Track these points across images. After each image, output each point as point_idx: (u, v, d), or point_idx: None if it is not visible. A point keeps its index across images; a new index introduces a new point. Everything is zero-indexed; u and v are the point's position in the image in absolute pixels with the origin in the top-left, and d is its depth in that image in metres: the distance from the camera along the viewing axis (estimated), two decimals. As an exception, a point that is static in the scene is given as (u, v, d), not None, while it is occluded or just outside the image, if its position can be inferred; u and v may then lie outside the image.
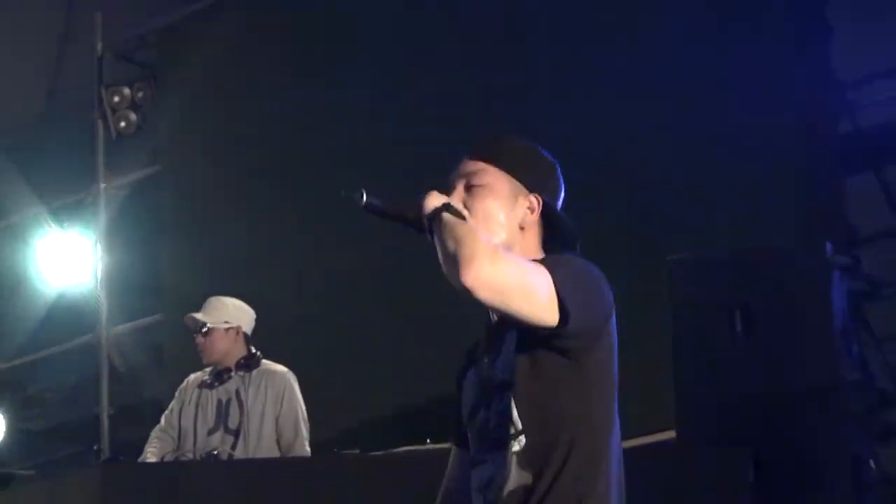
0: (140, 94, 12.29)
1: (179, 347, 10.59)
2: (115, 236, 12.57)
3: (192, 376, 8.49)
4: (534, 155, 4.36)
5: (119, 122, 12.30)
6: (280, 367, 8.37)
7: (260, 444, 8.19)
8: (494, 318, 4.28)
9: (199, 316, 8.32)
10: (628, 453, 4.37)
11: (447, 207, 4.16)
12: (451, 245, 4.02)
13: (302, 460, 8.20)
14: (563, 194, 4.40)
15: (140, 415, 12.42)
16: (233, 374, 8.30)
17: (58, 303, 13.36)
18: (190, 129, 11.85)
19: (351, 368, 10.21)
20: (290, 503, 7.49)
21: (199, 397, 8.35)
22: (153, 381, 12.24)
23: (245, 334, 8.39)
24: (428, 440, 7.93)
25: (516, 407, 4.17)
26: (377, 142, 10.60)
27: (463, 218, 4.14)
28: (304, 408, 8.31)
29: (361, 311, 10.37)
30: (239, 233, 11.30)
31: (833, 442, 7.98)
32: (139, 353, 12.59)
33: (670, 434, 8.23)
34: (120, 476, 7.93)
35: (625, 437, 8.91)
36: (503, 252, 4.03)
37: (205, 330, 8.30)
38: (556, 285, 3.99)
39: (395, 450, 8.10)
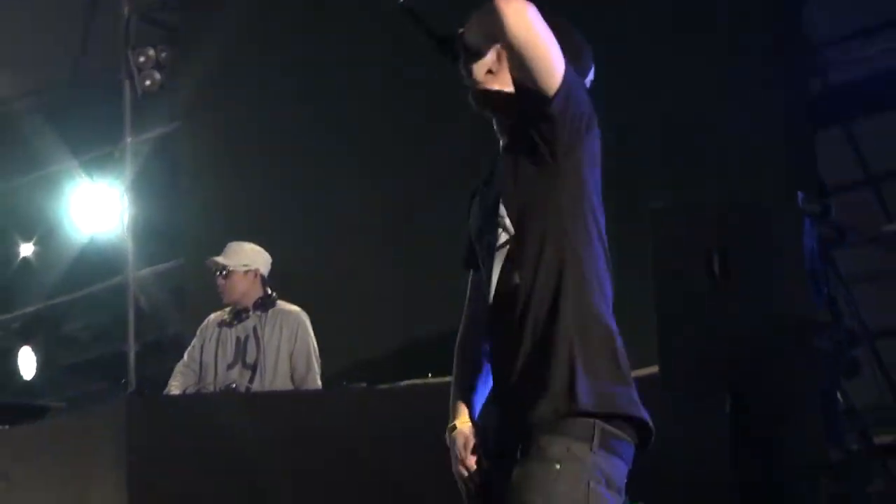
0: (164, 55, 12.29)
1: (199, 289, 10.63)
2: (141, 187, 12.61)
3: (212, 315, 8.54)
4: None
5: (144, 81, 12.28)
6: (294, 307, 8.42)
7: (275, 378, 8.23)
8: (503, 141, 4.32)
9: (220, 259, 8.36)
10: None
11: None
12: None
13: (313, 393, 8.22)
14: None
15: (163, 351, 12.51)
16: (250, 313, 8.35)
17: (88, 248, 13.38)
18: (210, 88, 11.83)
19: (359, 307, 10.23)
20: (302, 433, 7.49)
21: (219, 335, 8.39)
22: (175, 320, 12.27)
23: (262, 276, 8.44)
24: (430, 374, 7.95)
25: (505, 210, 4.21)
26: (392, 97, 10.57)
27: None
28: (315, 344, 8.36)
29: (368, 254, 10.38)
30: (254, 184, 11.31)
31: (805, 377, 8.01)
32: (163, 295, 12.61)
33: (653, 369, 8.26)
34: (144, 408, 7.95)
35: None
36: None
37: (225, 272, 8.33)
38: (565, 69, 4.05)
39: (399, 383, 8.11)
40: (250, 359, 8.25)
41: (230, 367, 8.30)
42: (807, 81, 9.64)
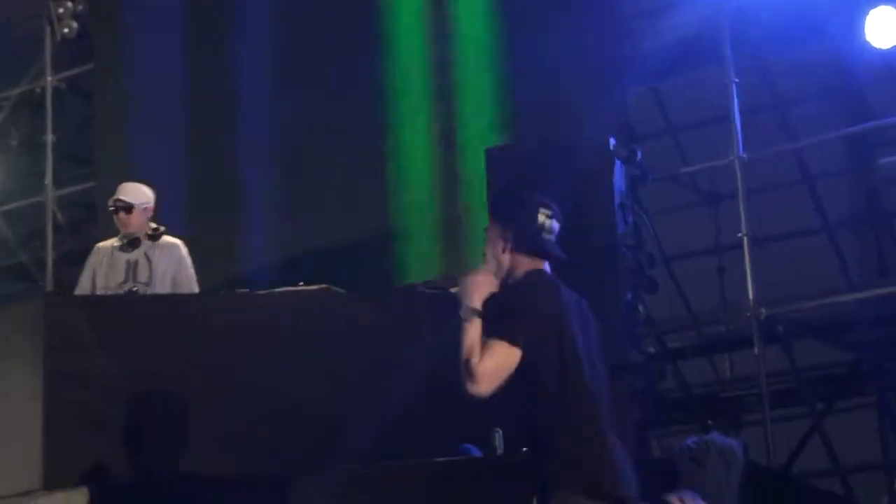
0: (80, 7, 12.10)
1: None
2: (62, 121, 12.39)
3: (100, 244, 8.53)
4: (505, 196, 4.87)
5: (63, 29, 12.09)
6: (176, 240, 8.45)
7: None
8: None
9: (124, 198, 8.33)
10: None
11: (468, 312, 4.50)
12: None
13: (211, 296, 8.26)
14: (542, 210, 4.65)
15: (77, 261, 12.35)
16: (142, 242, 8.31)
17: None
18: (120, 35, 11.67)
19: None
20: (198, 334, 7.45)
21: (111, 258, 8.38)
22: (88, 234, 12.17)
23: (152, 211, 8.42)
24: (301, 283, 7.93)
25: None
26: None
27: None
28: (193, 271, 8.35)
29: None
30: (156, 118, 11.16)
31: (612, 291, 8.10)
32: (78, 212, 12.49)
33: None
34: (59, 305, 7.85)
35: (452, 284, 8.91)
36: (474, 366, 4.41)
37: (128, 209, 8.29)
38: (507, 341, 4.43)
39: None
40: (142, 278, 8.26)
41: (121, 284, 8.28)
42: (621, 46, 9.71)
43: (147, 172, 8.81)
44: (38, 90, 12.49)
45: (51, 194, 12.16)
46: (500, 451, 6.89)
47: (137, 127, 11.29)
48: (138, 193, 8.40)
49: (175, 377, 7.21)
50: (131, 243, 8.37)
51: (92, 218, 12.14)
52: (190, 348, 7.34)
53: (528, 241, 4.61)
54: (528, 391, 4.50)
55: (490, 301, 4.49)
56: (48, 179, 12.18)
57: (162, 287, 8.20)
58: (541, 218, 4.59)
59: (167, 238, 8.44)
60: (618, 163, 8.35)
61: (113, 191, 8.49)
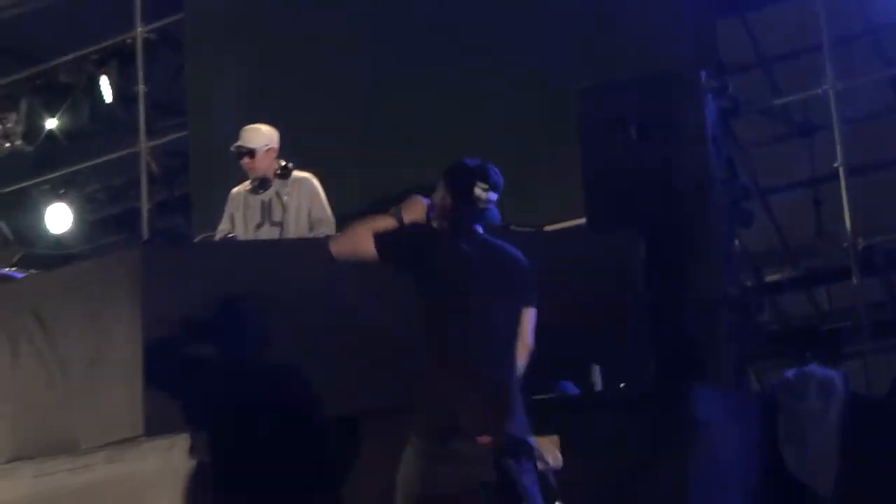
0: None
1: (202, 157, 10.57)
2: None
3: (235, 189, 8.54)
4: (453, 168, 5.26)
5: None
6: (307, 173, 8.43)
7: (298, 233, 8.27)
8: None
9: (244, 144, 8.34)
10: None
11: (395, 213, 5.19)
12: None
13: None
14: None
15: (171, 210, 12.50)
16: (272, 182, 8.33)
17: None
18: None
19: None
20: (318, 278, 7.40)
21: (245, 202, 8.41)
22: (182, 183, 12.27)
23: (277, 150, 8.43)
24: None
25: None
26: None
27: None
28: (327, 202, 8.36)
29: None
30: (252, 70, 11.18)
31: (707, 227, 8.03)
32: (171, 161, 12.59)
33: (581, 220, 8.27)
34: (157, 253, 7.90)
35: (550, 222, 8.87)
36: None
37: (251, 154, 8.33)
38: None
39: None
40: (276, 217, 8.30)
41: (258, 227, 8.34)
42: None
43: (239, 122, 8.78)
44: (128, 41, 12.57)
45: (144, 145, 12.24)
46: (598, 387, 6.86)
47: (228, 75, 11.32)
48: (259, 136, 8.37)
49: (276, 320, 7.22)
50: (262, 185, 8.37)
51: (185, 167, 12.23)
52: (293, 291, 7.33)
53: (455, 210, 5.16)
54: None
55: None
56: (141, 130, 12.26)
57: (297, 223, 8.22)
58: (477, 191, 5.12)
59: (297, 174, 8.41)
60: (709, 96, 8.25)
61: (235, 137, 8.45)
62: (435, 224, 5.18)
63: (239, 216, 8.43)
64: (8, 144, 12.68)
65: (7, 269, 9.10)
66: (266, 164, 8.38)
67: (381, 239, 5.03)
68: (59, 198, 13.37)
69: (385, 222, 5.10)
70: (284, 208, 8.32)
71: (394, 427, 5.21)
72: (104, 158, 12.87)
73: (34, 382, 7.23)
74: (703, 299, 7.78)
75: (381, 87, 10.46)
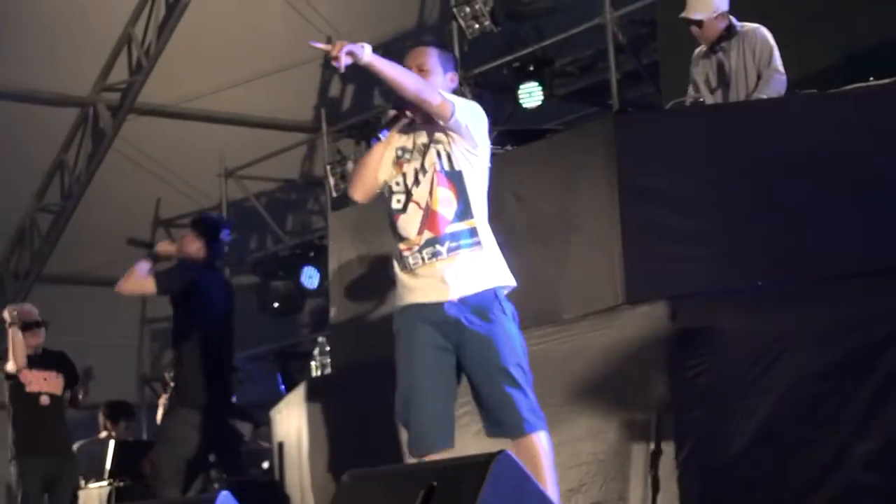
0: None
1: (669, 24, 10.37)
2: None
3: (696, 50, 8.39)
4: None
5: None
6: (753, 24, 8.21)
7: (746, 92, 8.11)
8: None
9: (691, 15, 8.20)
10: None
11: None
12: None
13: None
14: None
15: (640, 78, 12.44)
16: (722, 42, 8.16)
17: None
18: None
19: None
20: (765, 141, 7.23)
21: (702, 67, 8.32)
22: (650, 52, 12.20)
23: (726, 12, 8.23)
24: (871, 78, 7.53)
25: None
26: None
27: None
28: (776, 51, 8.10)
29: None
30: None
31: None
32: (638, 30, 12.50)
33: None
34: (628, 122, 7.85)
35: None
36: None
37: (699, 24, 8.19)
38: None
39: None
40: (727, 79, 8.19)
41: (713, 91, 8.24)
42: None
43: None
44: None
45: (609, 15, 12.15)
46: None
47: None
48: (704, 6, 8.22)
49: (733, 188, 7.10)
50: (711, 48, 8.29)
51: (652, 35, 12.10)
52: (750, 157, 7.15)
53: None
54: None
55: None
56: (606, 1, 12.16)
57: (745, 81, 8.06)
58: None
59: (745, 26, 8.23)
60: None
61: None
62: None
63: (701, 82, 8.32)
64: (477, 26, 12.89)
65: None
66: (714, 31, 8.22)
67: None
68: (529, 75, 13.55)
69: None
70: (728, 68, 8.15)
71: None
72: (571, 32, 12.87)
73: (514, 256, 7.38)
74: None
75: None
